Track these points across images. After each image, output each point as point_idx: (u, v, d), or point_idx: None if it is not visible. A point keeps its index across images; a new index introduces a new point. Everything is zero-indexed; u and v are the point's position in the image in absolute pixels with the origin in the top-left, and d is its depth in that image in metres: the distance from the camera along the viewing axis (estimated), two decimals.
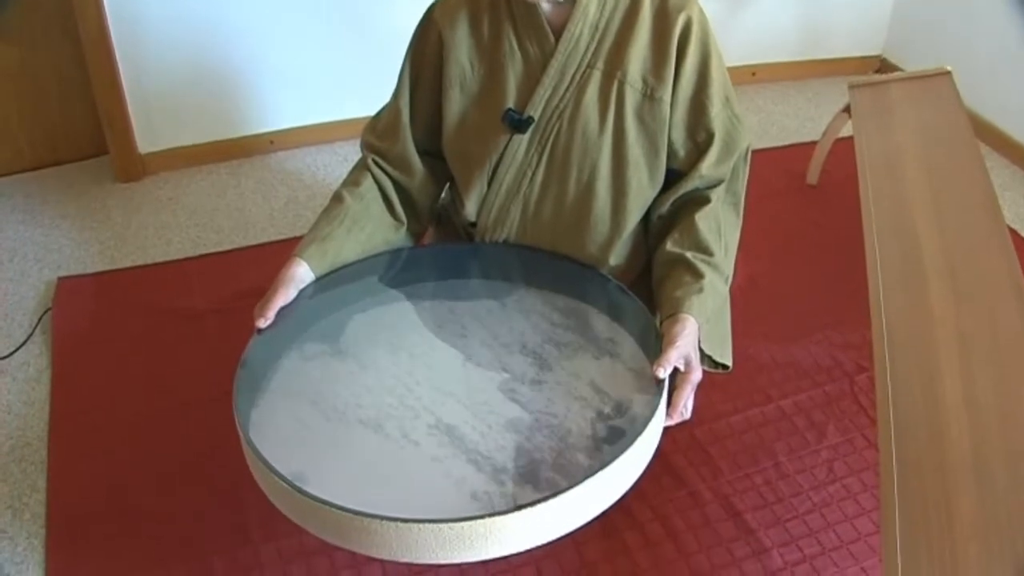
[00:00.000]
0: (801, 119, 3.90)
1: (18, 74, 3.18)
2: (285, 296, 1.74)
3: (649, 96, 1.78)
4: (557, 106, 1.80)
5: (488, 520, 1.37)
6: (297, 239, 1.83)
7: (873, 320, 2.02)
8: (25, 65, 3.17)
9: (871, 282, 2.13)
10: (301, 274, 1.78)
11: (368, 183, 1.89)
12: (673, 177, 1.87)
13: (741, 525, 2.13)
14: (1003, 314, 2.00)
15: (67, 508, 2.14)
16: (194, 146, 3.41)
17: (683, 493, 2.19)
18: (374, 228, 1.88)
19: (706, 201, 1.84)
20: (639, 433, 1.50)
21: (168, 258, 2.97)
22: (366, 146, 1.96)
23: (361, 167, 1.93)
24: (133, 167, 3.33)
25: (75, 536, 2.08)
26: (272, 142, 3.51)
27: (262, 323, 1.71)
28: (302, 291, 1.78)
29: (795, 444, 2.35)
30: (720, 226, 1.84)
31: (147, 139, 3.33)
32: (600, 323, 1.85)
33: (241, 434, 1.55)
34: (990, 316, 2.01)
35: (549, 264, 1.91)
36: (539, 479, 1.54)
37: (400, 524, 1.37)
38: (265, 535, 2.04)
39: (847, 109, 3.13)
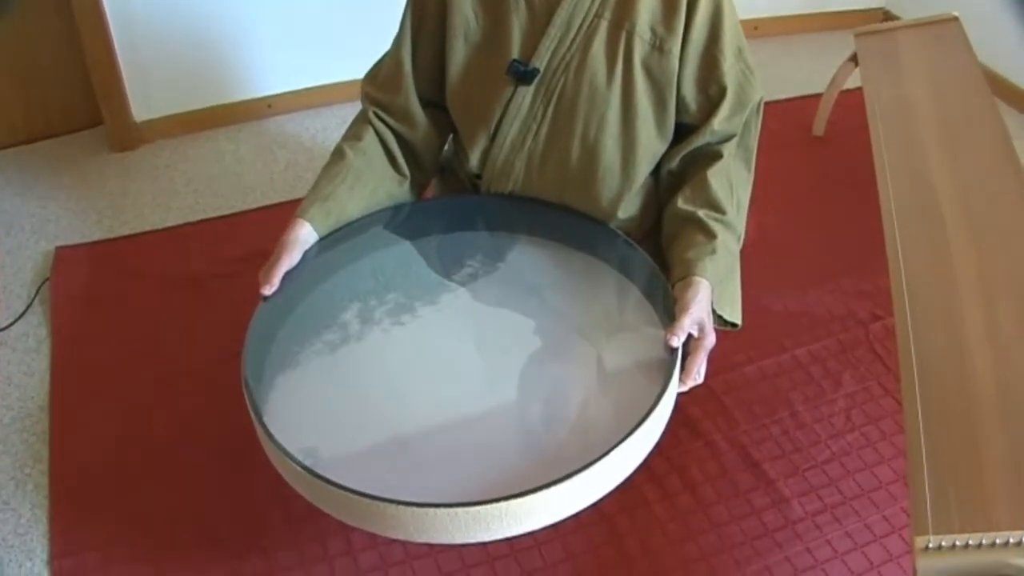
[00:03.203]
0: (805, 72, 3.84)
1: (10, 45, 3.11)
2: (290, 260, 1.69)
3: (658, 48, 1.72)
4: (563, 57, 1.74)
5: (503, 504, 1.35)
6: (298, 202, 1.78)
7: (890, 262, 1.98)
8: (17, 35, 3.10)
9: (886, 224, 2.09)
10: (304, 235, 1.73)
11: (370, 137, 1.84)
12: (684, 131, 1.82)
13: (759, 475, 2.09)
14: (1022, 253, 1.96)
15: (70, 478, 2.10)
16: (191, 112, 3.34)
17: (699, 444, 2.16)
18: (377, 183, 1.83)
19: (718, 157, 1.78)
20: (653, 405, 1.47)
21: (167, 224, 2.92)
22: (366, 98, 1.90)
23: (362, 120, 1.87)
24: (129, 136, 3.26)
25: (79, 506, 2.04)
26: (270, 106, 3.45)
27: (267, 290, 1.67)
28: (307, 252, 1.73)
29: (811, 393, 2.31)
30: (732, 183, 1.79)
31: (143, 107, 3.26)
32: (609, 278, 1.82)
33: (253, 414, 1.51)
34: (1009, 255, 1.97)
35: (557, 218, 1.87)
36: (559, 449, 1.52)
37: (416, 509, 1.35)
38: (272, 497, 1.99)
39: (853, 58, 3.10)
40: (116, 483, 2.08)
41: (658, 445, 1.55)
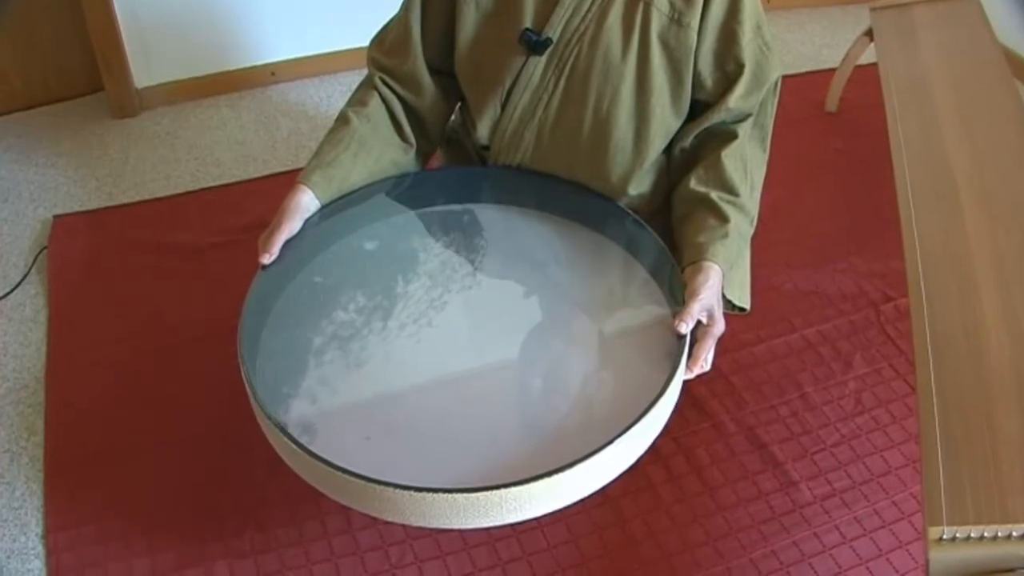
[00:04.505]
0: (817, 46, 3.78)
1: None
2: (290, 228, 1.66)
3: (676, 21, 1.67)
4: (578, 28, 1.69)
5: (503, 491, 1.33)
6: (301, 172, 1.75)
7: (905, 242, 1.95)
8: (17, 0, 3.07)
9: (901, 203, 2.06)
10: (306, 202, 1.69)
11: (376, 103, 1.80)
12: (699, 108, 1.78)
13: (767, 458, 2.07)
14: None
15: (66, 451, 2.08)
16: (192, 79, 3.29)
17: (706, 425, 2.13)
18: (382, 151, 1.79)
19: (732, 137, 1.75)
20: (660, 393, 1.45)
21: (167, 193, 2.88)
22: (373, 63, 1.86)
23: (368, 85, 1.84)
24: (129, 102, 3.22)
25: (74, 480, 2.02)
26: (273, 73, 3.39)
27: (267, 259, 1.64)
28: (308, 220, 1.70)
29: (821, 374, 2.28)
30: (746, 164, 1.76)
31: (144, 73, 3.21)
32: (616, 256, 1.80)
33: (248, 389, 1.48)
34: None
35: (565, 192, 1.84)
36: (561, 427, 1.50)
37: (413, 493, 1.32)
38: (271, 473, 1.96)
39: (868, 33, 3.06)
40: (112, 456, 2.05)
41: (664, 431, 1.53)
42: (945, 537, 1.34)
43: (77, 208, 2.81)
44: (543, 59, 1.72)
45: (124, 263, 2.59)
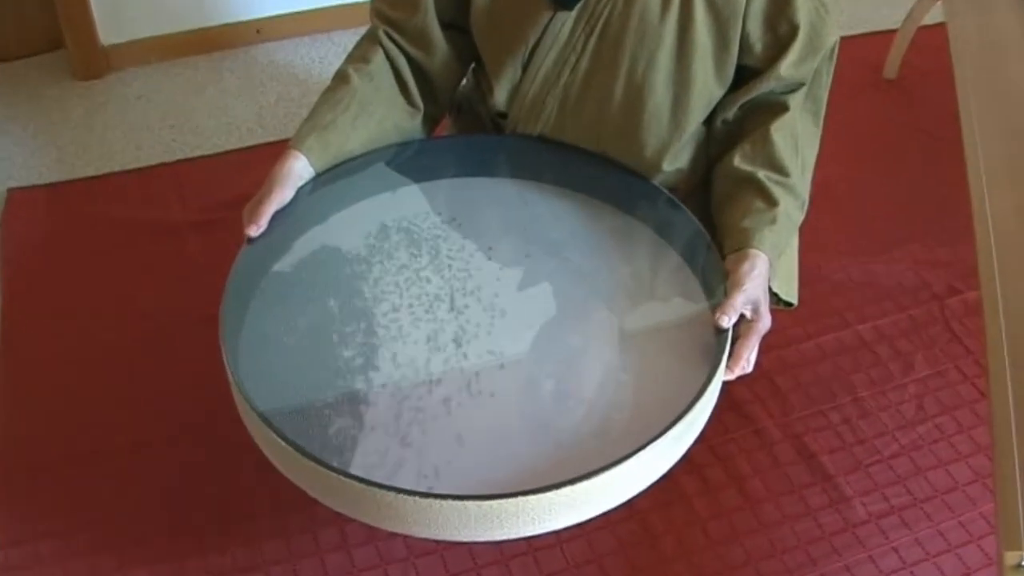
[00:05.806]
0: (876, 4, 3.78)
1: None
2: (281, 197, 1.66)
3: None
4: None
5: (519, 499, 1.32)
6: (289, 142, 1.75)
7: (977, 228, 1.93)
8: None
9: (973, 184, 2.04)
10: (299, 169, 1.69)
11: (379, 60, 1.79)
12: (746, 75, 1.77)
13: (816, 469, 2.08)
14: None
15: (20, 457, 2.08)
16: (167, 36, 3.29)
17: (748, 431, 2.14)
18: (384, 114, 1.79)
19: (783, 109, 1.74)
20: (698, 395, 1.44)
21: (138, 164, 2.89)
22: (377, 15, 1.84)
23: (371, 40, 1.83)
24: (95, 62, 3.23)
25: (30, 489, 2.02)
26: (259, 31, 3.40)
27: (254, 231, 1.63)
28: (300, 190, 1.70)
29: (877, 376, 2.29)
30: (797, 140, 1.75)
31: (111, 29, 3.21)
32: (646, 240, 1.79)
33: (231, 379, 1.48)
34: None
35: (589, 165, 1.83)
36: (578, 430, 1.50)
37: (419, 499, 1.31)
38: (258, 479, 1.97)
39: None
40: (75, 462, 2.06)
41: (700, 437, 1.53)
42: None
43: (35, 181, 2.82)
44: (572, 15, 1.71)
45: (88, 243, 2.61)
